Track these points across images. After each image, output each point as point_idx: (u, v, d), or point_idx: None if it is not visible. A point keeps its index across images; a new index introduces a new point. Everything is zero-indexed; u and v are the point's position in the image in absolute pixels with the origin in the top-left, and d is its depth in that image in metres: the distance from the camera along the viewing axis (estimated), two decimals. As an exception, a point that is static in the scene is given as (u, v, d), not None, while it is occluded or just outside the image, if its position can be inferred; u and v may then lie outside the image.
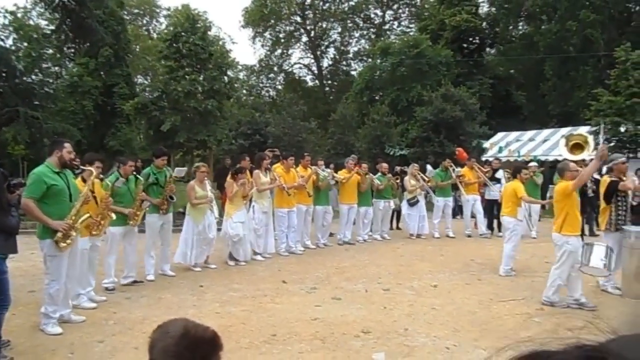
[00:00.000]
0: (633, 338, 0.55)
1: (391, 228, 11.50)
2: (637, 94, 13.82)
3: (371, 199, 10.30)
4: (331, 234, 10.14)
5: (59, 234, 4.60)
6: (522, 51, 26.51)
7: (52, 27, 20.60)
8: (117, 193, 6.11)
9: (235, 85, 22.16)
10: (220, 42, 21.40)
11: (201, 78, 17.09)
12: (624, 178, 6.27)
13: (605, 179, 6.46)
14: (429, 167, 11.57)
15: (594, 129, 13.95)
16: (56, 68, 22.82)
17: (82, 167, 5.23)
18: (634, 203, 6.61)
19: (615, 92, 14.39)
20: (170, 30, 19.81)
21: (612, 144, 13.92)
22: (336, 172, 10.57)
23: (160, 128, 16.01)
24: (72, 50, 23.43)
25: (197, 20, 18.18)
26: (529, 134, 19.24)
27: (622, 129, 13.86)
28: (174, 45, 17.36)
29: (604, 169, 7.07)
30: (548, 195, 13.01)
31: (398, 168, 11.81)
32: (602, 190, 6.44)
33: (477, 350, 4.29)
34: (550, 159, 16.11)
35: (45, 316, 4.68)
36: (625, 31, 22.85)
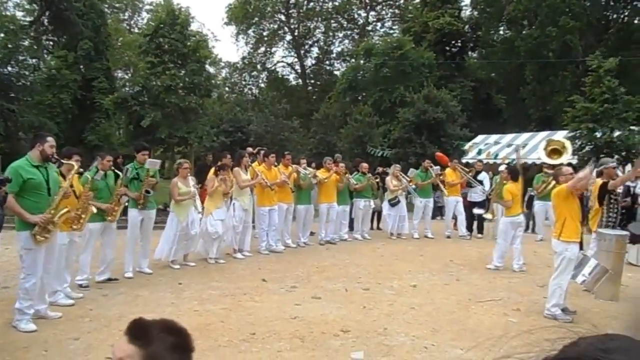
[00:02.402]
0: (592, 340, 0.57)
1: (372, 228, 11.55)
2: (609, 101, 14.15)
3: (348, 197, 10.32)
4: (312, 233, 10.13)
5: (37, 228, 4.55)
6: (503, 55, 26.92)
7: (30, 19, 20.13)
8: (95, 188, 6.00)
9: (217, 82, 21.95)
10: (198, 35, 21.03)
11: (182, 73, 16.88)
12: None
13: (597, 182, 6.62)
14: (411, 169, 11.63)
15: (571, 134, 14.28)
16: (33, 60, 22.28)
17: (62, 160, 5.11)
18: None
19: (591, 99, 14.71)
20: (150, 25, 19.53)
21: (587, 149, 14.24)
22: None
23: (141, 123, 15.75)
24: (51, 43, 22.96)
25: (178, 16, 17.93)
26: (508, 137, 19.54)
27: (598, 135, 14.16)
28: (155, 40, 17.10)
29: (594, 174, 7.25)
30: (526, 197, 13.31)
31: (380, 169, 11.84)
32: (594, 192, 6.60)
33: (455, 350, 4.33)
34: (529, 162, 16.39)
35: (19, 312, 4.58)
36: (602, 38, 23.40)
